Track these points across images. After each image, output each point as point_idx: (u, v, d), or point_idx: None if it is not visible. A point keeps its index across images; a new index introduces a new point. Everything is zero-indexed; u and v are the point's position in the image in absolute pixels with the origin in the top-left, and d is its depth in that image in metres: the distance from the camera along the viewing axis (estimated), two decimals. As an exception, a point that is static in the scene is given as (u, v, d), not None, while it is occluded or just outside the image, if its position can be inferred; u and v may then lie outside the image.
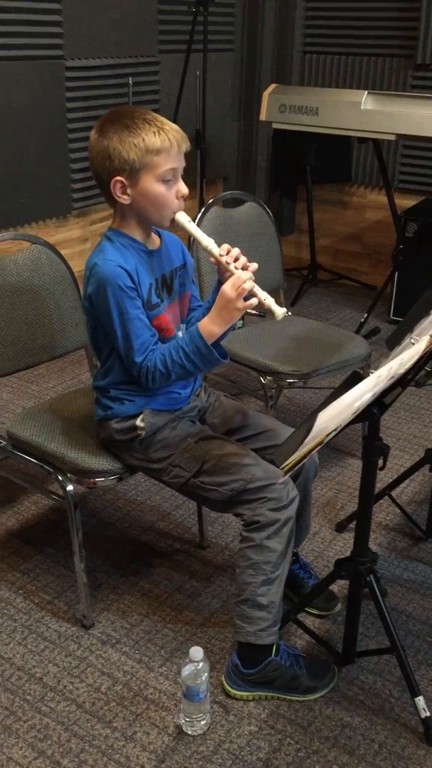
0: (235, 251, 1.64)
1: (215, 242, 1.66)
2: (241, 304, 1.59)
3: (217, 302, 1.63)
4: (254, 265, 1.64)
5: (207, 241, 1.65)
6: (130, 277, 1.66)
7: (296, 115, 3.48)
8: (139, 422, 1.77)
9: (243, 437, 1.86)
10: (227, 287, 1.60)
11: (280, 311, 1.62)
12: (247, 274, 1.59)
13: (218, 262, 1.65)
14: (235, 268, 1.62)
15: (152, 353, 1.69)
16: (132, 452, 1.82)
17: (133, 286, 1.67)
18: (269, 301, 1.62)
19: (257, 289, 1.62)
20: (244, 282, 1.58)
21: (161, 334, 1.74)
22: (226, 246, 1.65)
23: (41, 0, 3.21)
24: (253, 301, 1.60)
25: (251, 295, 1.60)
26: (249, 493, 1.69)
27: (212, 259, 1.66)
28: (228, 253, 1.63)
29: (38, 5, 3.20)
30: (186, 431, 1.79)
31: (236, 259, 1.63)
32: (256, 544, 1.68)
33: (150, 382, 1.71)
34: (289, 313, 2.84)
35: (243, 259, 1.63)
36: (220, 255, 1.63)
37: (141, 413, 1.78)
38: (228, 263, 1.62)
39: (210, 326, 1.63)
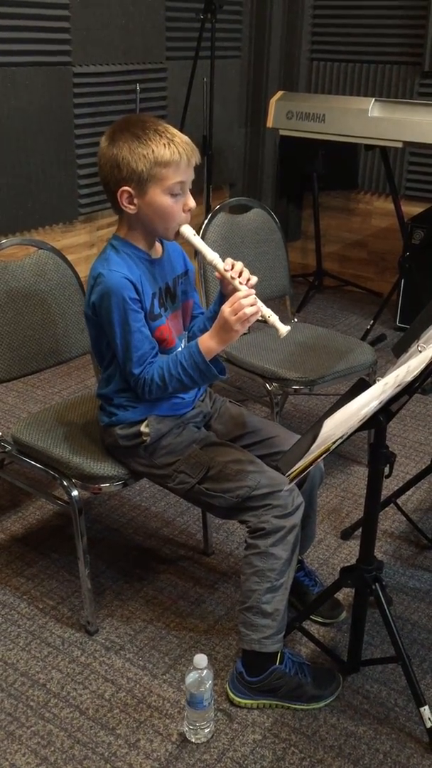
0: (239, 266, 1.65)
1: (220, 255, 1.66)
2: (239, 326, 1.60)
3: (217, 321, 1.64)
4: (254, 279, 1.65)
5: (212, 256, 1.66)
6: (135, 288, 1.67)
7: (303, 122, 3.48)
8: (143, 428, 1.77)
9: (248, 444, 1.86)
10: (227, 308, 1.61)
11: (284, 329, 1.63)
12: (250, 299, 1.59)
13: (223, 277, 1.66)
14: (240, 283, 1.63)
15: (150, 366, 1.69)
16: (137, 458, 1.81)
17: (137, 297, 1.67)
18: (273, 318, 1.63)
19: (262, 306, 1.62)
20: (245, 306, 1.58)
21: (162, 345, 1.75)
22: (230, 261, 1.66)
23: (50, 7, 3.22)
24: (248, 323, 1.61)
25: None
26: (254, 500, 1.68)
27: (217, 274, 1.67)
28: (232, 267, 1.65)
29: (47, 12, 3.21)
30: (191, 437, 1.79)
31: (240, 274, 1.64)
32: (261, 552, 1.67)
33: (147, 394, 1.72)
34: (295, 320, 2.85)
35: (246, 274, 1.65)
36: (225, 270, 1.64)
37: (145, 419, 1.78)
38: (233, 278, 1.63)
39: (209, 343, 1.65)
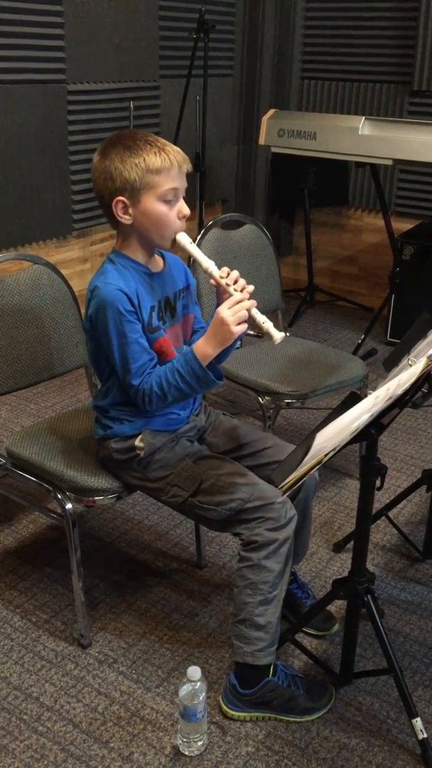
0: (234, 274, 1.66)
1: (215, 264, 1.68)
2: (235, 327, 1.60)
3: (213, 323, 1.64)
4: (250, 288, 1.66)
5: (207, 263, 1.67)
6: (130, 300, 1.68)
7: (294, 140, 3.53)
8: (138, 442, 1.78)
9: (243, 455, 1.87)
10: (223, 309, 1.62)
11: (278, 335, 1.63)
12: (247, 302, 1.61)
13: (218, 285, 1.66)
14: (234, 290, 1.64)
15: (149, 376, 1.70)
16: (131, 471, 1.82)
17: (132, 309, 1.68)
18: (268, 324, 1.64)
19: (256, 313, 1.64)
20: (242, 307, 1.60)
21: (161, 357, 1.76)
22: (225, 269, 1.66)
23: (45, 25, 3.26)
24: (245, 325, 1.62)
25: (249, 317, 1.63)
26: (247, 513, 1.69)
27: (212, 281, 1.68)
28: (228, 275, 1.65)
29: (41, 30, 3.25)
30: (184, 451, 1.80)
31: (235, 282, 1.65)
32: (254, 564, 1.68)
33: (147, 405, 1.72)
34: (287, 334, 2.87)
35: (242, 282, 1.65)
36: (220, 277, 1.65)
37: (140, 433, 1.79)
38: (228, 285, 1.64)
39: (204, 348, 1.65)
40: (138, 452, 1.78)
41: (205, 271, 1.67)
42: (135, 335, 1.68)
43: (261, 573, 1.68)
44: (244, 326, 1.62)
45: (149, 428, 1.80)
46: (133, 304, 1.68)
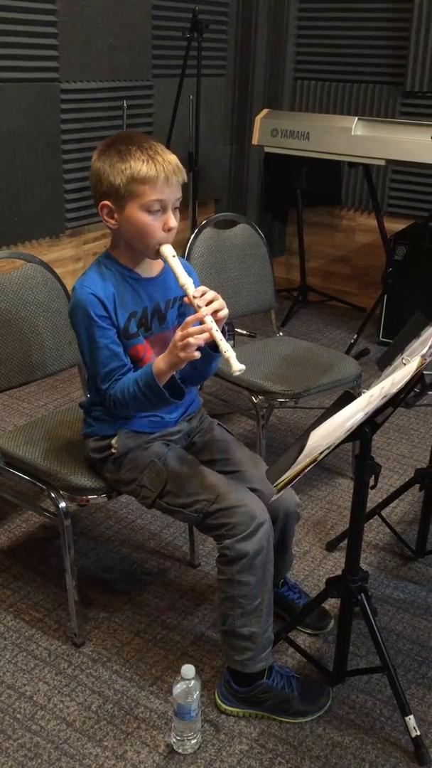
0: (209, 295, 1.57)
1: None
2: (183, 353, 1.54)
3: (171, 343, 1.59)
4: (224, 312, 1.57)
5: (185, 280, 1.59)
6: (104, 305, 1.65)
7: (288, 140, 3.54)
8: (113, 442, 1.78)
9: (222, 471, 1.80)
10: (177, 332, 1.56)
11: (237, 367, 1.53)
12: (197, 328, 1.52)
13: (190, 303, 1.59)
14: (202, 312, 1.54)
15: (116, 382, 1.68)
16: (105, 472, 1.82)
17: (105, 314, 1.66)
18: (230, 353, 1.54)
19: (221, 339, 1.55)
20: (191, 335, 1.52)
21: (139, 365, 1.72)
22: (201, 288, 1.58)
23: (38, 24, 3.26)
24: (196, 354, 1.54)
25: (213, 343, 1.56)
26: (213, 518, 1.65)
27: (186, 299, 1.61)
28: (202, 295, 1.57)
29: (35, 29, 3.25)
30: (156, 453, 1.77)
31: (208, 303, 1.55)
32: (227, 579, 1.65)
33: (113, 410, 1.71)
34: (280, 334, 2.88)
35: (217, 304, 1.56)
36: (194, 297, 1.57)
37: (117, 433, 1.78)
38: (199, 306, 1.55)
39: (159, 364, 1.60)
40: (112, 451, 1.77)
41: (182, 287, 1.60)
42: (105, 341, 1.66)
43: (237, 587, 1.65)
44: (195, 354, 1.55)
45: (129, 428, 1.78)
46: (106, 309, 1.66)
